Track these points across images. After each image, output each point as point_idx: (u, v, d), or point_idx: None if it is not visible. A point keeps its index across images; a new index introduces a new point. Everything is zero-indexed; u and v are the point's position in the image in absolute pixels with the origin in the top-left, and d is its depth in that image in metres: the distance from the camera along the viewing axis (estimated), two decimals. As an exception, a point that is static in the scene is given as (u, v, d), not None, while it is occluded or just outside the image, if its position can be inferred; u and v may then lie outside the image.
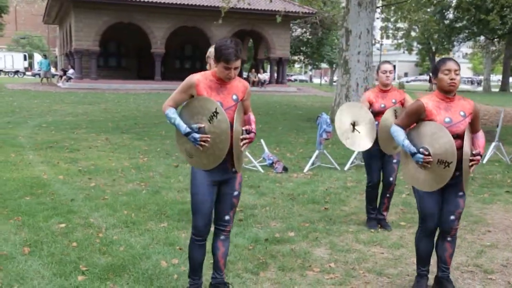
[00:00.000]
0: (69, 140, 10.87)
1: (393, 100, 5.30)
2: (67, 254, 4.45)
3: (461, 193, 3.70)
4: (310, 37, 49.43)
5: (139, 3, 29.02)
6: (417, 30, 48.36)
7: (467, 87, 60.55)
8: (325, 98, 27.72)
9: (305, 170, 8.36)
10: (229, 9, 20.17)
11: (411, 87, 52.41)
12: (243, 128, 3.46)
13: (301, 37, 49.16)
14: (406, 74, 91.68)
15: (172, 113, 3.45)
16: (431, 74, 3.77)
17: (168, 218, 5.65)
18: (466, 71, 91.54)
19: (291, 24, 39.90)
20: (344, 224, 5.55)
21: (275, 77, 34.38)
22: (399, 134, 3.74)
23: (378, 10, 27.20)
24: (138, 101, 21.74)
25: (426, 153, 3.57)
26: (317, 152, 8.57)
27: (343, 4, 46.50)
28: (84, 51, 29.45)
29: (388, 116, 5.06)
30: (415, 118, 3.70)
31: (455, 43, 47.96)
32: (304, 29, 49.35)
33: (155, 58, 30.87)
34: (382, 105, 5.28)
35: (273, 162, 8.59)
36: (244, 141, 3.42)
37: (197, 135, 3.32)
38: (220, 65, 3.33)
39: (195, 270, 3.64)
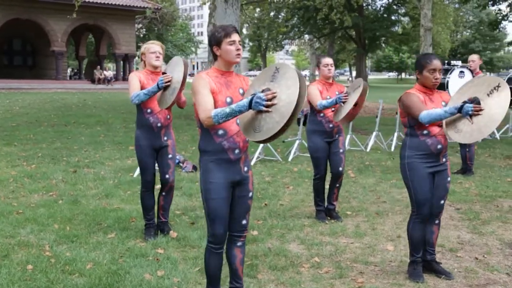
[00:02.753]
0: None
1: (337, 92, 5.49)
2: (32, 279, 3.87)
3: (449, 178, 4.00)
4: (146, 33, 48.58)
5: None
6: (248, 28, 50.39)
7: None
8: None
9: (214, 168, 8.25)
10: (69, 2, 18.90)
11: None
12: None
13: (137, 33, 48.06)
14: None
15: (219, 111, 3.01)
16: (415, 68, 3.94)
17: (111, 228, 5.19)
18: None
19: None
20: (295, 218, 5.61)
21: (122, 74, 33.09)
22: (433, 111, 3.65)
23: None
24: (-27, 102, 19.40)
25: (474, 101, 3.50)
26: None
27: None
28: None
29: None
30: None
31: (286, 40, 50.88)
32: (141, 25, 48.36)
33: (-16, 54, 27.76)
34: (328, 97, 5.43)
35: (179, 162, 8.34)
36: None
37: (261, 94, 2.87)
38: (223, 45, 3.15)
39: (215, 280, 3.41)
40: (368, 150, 10.15)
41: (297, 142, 9.43)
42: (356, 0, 32.01)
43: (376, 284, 3.93)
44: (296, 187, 7.05)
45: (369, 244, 4.80)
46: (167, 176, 4.98)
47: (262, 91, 2.93)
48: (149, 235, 4.92)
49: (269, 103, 2.86)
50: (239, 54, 3.20)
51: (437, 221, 4.09)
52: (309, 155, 5.76)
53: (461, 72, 8.30)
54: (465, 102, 3.54)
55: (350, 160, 9.15)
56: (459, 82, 8.12)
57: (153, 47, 4.77)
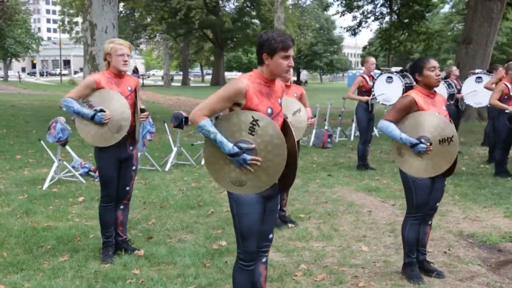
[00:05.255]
0: None
1: (295, 94, 5.43)
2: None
3: (445, 181, 4.11)
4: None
5: None
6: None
7: (150, 82, 62.07)
8: (42, 96, 25.46)
9: (129, 175, 7.71)
10: None
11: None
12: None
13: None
14: (81, 69, 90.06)
15: (209, 125, 2.90)
16: (413, 71, 3.97)
17: (58, 250, 4.58)
18: (140, 67, 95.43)
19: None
20: (253, 224, 5.42)
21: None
22: (394, 129, 3.89)
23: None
24: None
25: (428, 143, 3.80)
26: (139, 154, 7.97)
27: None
28: None
29: None
30: (405, 113, 3.92)
31: (142, 39, 49.62)
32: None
33: None
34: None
35: (89, 170, 7.66)
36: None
37: (247, 156, 2.87)
38: (277, 57, 2.91)
39: (247, 300, 3.15)
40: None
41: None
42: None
43: (376, 287, 3.93)
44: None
45: (342, 246, 4.81)
46: (127, 188, 4.50)
47: (249, 150, 2.89)
48: (107, 255, 4.38)
49: (249, 168, 2.90)
50: (289, 70, 3.00)
51: (430, 222, 4.17)
52: None
53: (389, 77, 8.67)
54: (420, 141, 3.83)
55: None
56: (387, 87, 8.55)
57: (121, 49, 4.19)
